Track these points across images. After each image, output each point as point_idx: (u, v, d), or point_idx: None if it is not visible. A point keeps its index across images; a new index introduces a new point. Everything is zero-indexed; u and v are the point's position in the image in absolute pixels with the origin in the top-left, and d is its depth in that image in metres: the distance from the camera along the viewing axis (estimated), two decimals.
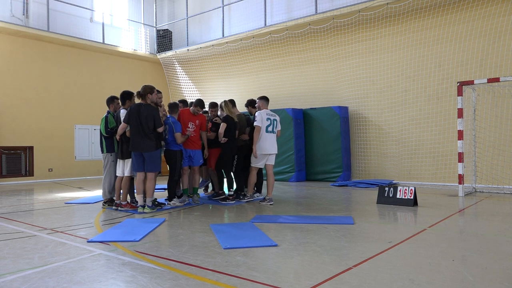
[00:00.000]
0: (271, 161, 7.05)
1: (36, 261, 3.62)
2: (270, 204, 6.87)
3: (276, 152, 7.05)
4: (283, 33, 12.22)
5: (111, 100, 6.87)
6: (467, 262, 3.50)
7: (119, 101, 6.71)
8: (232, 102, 7.44)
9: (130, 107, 6.30)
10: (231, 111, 7.17)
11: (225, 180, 7.60)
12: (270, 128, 6.88)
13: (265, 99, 7.12)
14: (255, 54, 13.34)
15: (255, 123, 6.84)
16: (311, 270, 3.28)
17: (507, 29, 8.92)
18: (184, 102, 7.80)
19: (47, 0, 12.56)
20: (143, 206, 6.27)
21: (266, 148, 6.86)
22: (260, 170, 7.35)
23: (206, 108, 7.95)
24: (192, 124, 6.93)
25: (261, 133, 6.79)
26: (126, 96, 6.58)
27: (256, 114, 6.91)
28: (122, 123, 6.24)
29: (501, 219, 5.40)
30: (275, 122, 6.99)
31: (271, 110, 7.18)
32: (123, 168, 6.47)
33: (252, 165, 7.01)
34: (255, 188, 7.78)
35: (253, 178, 7.12)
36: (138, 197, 6.32)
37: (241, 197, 7.33)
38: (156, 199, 6.77)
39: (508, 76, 8.01)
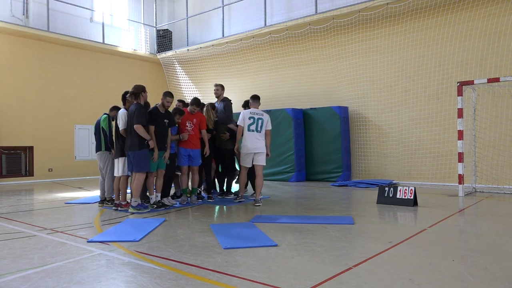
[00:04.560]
0: (259, 161, 6.86)
1: (36, 261, 3.62)
2: (257, 205, 6.74)
3: (262, 151, 6.83)
4: (283, 33, 12.21)
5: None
6: (467, 262, 3.50)
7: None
8: (212, 105, 7.58)
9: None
10: (207, 114, 7.38)
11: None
12: (252, 127, 6.79)
13: (254, 98, 7.14)
14: (255, 54, 13.34)
15: (237, 122, 6.96)
16: (311, 270, 3.28)
17: (507, 29, 8.92)
18: (182, 102, 7.92)
19: (47, 0, 12.57)
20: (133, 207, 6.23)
21: (248, 147, 6.81)
22: (251, 170, 7.13)
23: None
24: (190, 123, 6.93)
25: (244, 132, 6.85)
26: (123, 97, 6.67)
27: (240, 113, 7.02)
28: (121, 129, 6.31)
29: (501, 219, 5.40)
30: (259, 121, 6.84)
31: (264, 110, 7.19)
32: (118, 167, 6.50)
33: (240, 163, 7.11)
34: (246, 189, 7.82)
35: (242, 177, 7.12)
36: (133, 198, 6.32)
37: (234, 198, 7.42)
38: (160, 200, 6.71)
39: (508, 76, 8.00)
